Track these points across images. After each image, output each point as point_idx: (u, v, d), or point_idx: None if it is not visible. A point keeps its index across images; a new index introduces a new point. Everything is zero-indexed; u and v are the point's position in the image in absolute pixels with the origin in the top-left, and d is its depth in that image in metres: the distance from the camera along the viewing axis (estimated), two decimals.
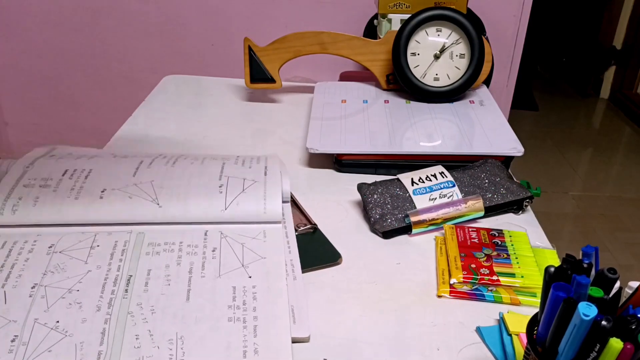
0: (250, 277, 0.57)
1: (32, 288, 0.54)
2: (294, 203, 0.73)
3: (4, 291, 0.53)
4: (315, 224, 0.69)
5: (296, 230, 0.67)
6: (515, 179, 0.78)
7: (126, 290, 0.55)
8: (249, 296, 0.55)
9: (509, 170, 0.82)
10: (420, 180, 0.73)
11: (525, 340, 0.48)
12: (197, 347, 0.49)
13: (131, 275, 0.56)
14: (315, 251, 0.65)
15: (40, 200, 0.63)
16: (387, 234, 0.69)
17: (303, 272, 0.61)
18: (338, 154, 0.84)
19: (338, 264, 0.64)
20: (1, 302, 0.52)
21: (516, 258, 0.63)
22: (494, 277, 0.60)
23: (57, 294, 0.54)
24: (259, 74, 1.02)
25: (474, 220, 0.72)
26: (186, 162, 0.73)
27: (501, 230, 0.68)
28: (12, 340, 0.49)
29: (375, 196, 0.72)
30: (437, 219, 0.70)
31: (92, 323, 0.51)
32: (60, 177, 0.67)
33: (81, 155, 0.74)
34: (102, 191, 0.65)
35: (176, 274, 0.57)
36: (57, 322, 0.51)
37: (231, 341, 0.50)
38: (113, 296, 0.54)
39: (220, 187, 0.67)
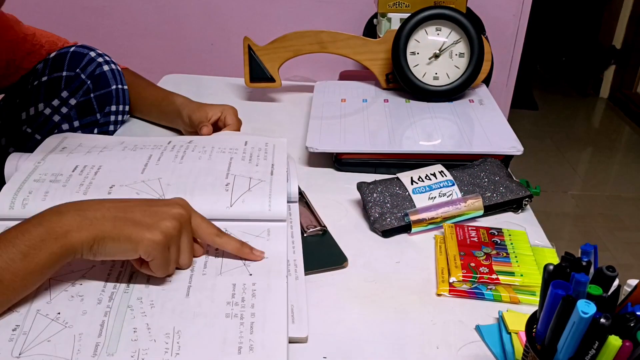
0: (251, 274, 0.57)
1: None
2: (306, 204, 0.73)
3: None
4: (325, 226, 0.69)
5: (305, 232, 0.67)
6: (514, 178, 0.78)
7: (128, 285, 0.55)
8: (248, 293, 0.55)
9: (509, 169, 0.82)
10: (420, 179, 0.73)
11: (524, 338, 0.48)
12: (193, 341, 0.50)
13: (134, 272, 0.57)
14: (322, 253, 0.65)
15: (50, 195, 0.64)
16: (386, 233, 0.69)
17: (307, 273, 0.61)
18: (338, 153, 0.84)
19: (344, 267, 0.64)
20: None
21: (515, 257, 0.63)
22: (494, 276, 0.60)
23: (60, 287, 0.54)
24: (258, 73, 1.03)
25: (473, 219, 0.72)
26: (194, 155, 0.74)
27: (500, 229, 0.68)
28: (13, 330, 0.49)
29: (374, 195, 0.72)
30: (437, 217, 0.70)
31: (92, 315, 0.51)
32: (70, 173, 0.68)
33: (91, 148, 0.75)
34: (111, 187, 0.66)
35: (178, 271, 0.57)
36: (58, 313, 0.51)
37: (227, 337, 0.50)
38: (115, 290, 0.54)
39: (226, 185, 0.67)
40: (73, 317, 0.51)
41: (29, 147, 0.82)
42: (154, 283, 0.56)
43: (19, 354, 0.47)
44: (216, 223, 0.64)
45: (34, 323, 0.50)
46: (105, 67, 0.88)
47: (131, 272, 0.57)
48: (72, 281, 0.55)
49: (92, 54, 0.88)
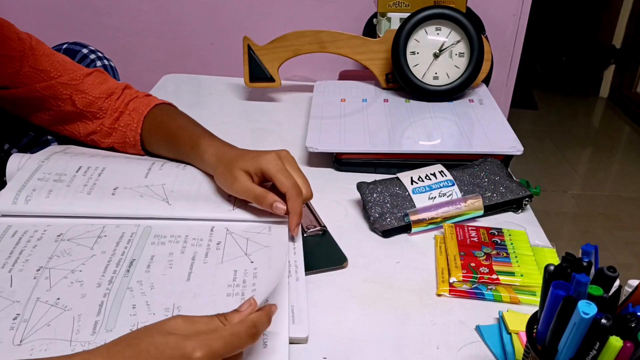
0: (252, 262, 0.58)
1: (37, 271, 0.55)
2: (307, 205, 0.73)
3: (11, 275, 0.55)
4: (324, 227, 0.69)
5: (305, 232, 0.67)
6: (514, 178, 0.78)
7: (128, 271, 0.56)
8: (249, 276, 0.56)
9: (509, 169, 0.82)
10: (420, 179, 0.73)
11: (525, 338, 0.48)
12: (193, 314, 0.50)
13: (134, 259, 0.57)
14: (322, 253, 0.65)
15: (54, 193, 0.65)
16: (386, 233, 0.69)
17: (307, 274, 0.61)
18: (337, 153, 0.84)
19: (344, 267, 0.64)
20: (7, 286, 0.53)
21: (516, 257, 0.63)
22: (494, 276, 0.60)
23: (60, 274, 0.55)
24: (258, 73, 1.02)
25: (473, 219, 0.72)
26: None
27: (500, 229, 0.68)
28: (14, 319, 0.50)
29: (374, 195, 0.72)
30: (437, 217, 0.70)
31: (91, 298, 0.52)
32: (74, 173, 0.69)
33: (95, 154, 0.76)
34: (114, 189, 0.67)
35: (179, 259, 0.58)
36: (58, 299, 0.52)
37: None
38: (114, 275, 0.55)
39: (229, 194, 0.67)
40: (72, 301, 0.52)
41: (25, 143, 0.82)
42: (154, 269, 0.56)
43: (20, 342, 0.47)
44: (219, 223, 0.65)
45: (34, 310, 0.50)
46: (99, 63, 0.88)
47: (132, 259, 0.57)
48: (72, 269, 0.56)
49: (85, 50, 0.88)
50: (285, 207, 0.61)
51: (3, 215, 0.63)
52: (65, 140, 0.82)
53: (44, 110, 0.77)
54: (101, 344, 0.43)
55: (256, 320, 0.45)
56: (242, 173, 0.64)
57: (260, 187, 0.63)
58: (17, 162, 0.70)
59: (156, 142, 0.77)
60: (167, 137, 0.75)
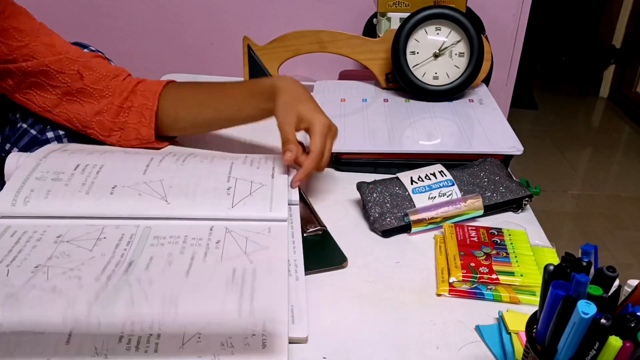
0: (251, 262, 0.58)
1: (35, 267, 0.56)
2: (306, 204, 0.73)
3: (8, 269, 0.55)
4: (324, 226, 0.69)
5: (305, 232, 0.67)
6: (514, 178, 0.78)
7: (127, 270, 0.56)
8: (248, 274, 0.56)
9: (508, 169, 0.82)
10: (420, 179, 0.73)
11: (524, 338, 0.48)
12: (190, 304, 0.52)
13: (133, 261, 0.58)
14: (322, 253, 0.65)
15: (52, 193, 0.65)
16: (386, 233, 0.69)
17: (307, 273, 0.61)
18: (337, 153, 0.84)
19: (343, 267, 0.64)
20: (3, 276, 0.54)
21: (515, 257, 0.63)
22: (493, 276, 0.60)
23: (59, 271, 0.55)
24: (258, 73, 1.02)
25: (473, 219, 0.72)
26: (195, 160, 0.74)
27: (500, 229, 0.68)
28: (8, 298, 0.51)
29: (374, 195, 0.72)
30: (437, 217, 0.70)
31: (88, 288, 0.53)
32: (72, 172, 0.69)
33: (93, 151, 0.76)
34: (113, 187, 0.67)
35: (178, 259, 0.58)
36: (54, 287, 0.53)
37: (225, 304, 0.52)
38: (113, 273, 0.56)
39: (228, 189, 0.68)
40: (69, 290, 0.53)
41: (26, 142, 0.82)
42: (153, 268, 0.57)
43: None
44: (218, 222, 0.65)
45: (28, 294, 0.52)
46: None
47: (130, 260, 0.58)
48: (71, 267, 0.56)
49: (85, 50, 0.88)
50: (291, 158, 0.70)
51: (2, 217, 0.63)
52: (66, 134, 0.82)
53: (50, 88, 0.78)
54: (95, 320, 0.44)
55: None
56: (295, 117, 0.73)
57: (293, 136, 0.73)
58: (15, 161, 0.70)
59: (183, 110, 0.82)
60: (202, 96, 0.82)
